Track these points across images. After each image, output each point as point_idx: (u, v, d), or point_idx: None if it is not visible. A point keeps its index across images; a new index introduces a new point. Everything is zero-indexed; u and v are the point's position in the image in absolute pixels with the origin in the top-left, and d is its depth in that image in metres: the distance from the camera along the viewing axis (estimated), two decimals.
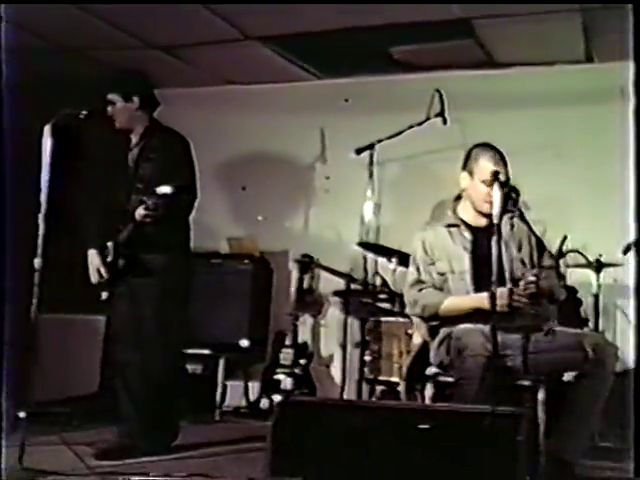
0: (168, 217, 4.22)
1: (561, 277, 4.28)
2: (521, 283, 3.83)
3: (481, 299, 3.77)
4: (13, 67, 3.64)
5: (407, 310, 4.18)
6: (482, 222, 4.07)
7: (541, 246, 4.20)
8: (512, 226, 4.14)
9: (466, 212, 4.16)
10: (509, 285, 3.88)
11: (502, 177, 3.81)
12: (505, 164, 4.02)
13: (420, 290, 4.05)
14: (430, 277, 4.07)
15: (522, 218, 3.96)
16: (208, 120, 6.79)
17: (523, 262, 4.09)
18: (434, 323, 4.02)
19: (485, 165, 4.00)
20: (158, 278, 4.43)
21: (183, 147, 4.58)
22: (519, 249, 4.12)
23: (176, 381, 4.64)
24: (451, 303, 3.96)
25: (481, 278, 3.89)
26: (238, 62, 6.44)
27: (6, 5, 3.86)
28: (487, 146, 4.11)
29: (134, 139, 4.63)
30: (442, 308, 3.96)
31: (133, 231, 4.31)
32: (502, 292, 3.72)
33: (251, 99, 6.85)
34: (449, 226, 4.15)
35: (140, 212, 4.16)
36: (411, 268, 4.14)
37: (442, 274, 4.05)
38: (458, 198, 4.24)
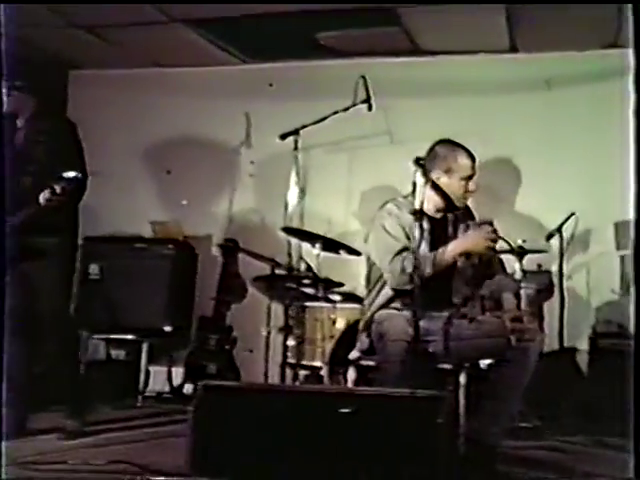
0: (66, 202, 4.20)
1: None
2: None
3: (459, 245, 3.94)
4: None
5: (389, 280, 4.04)
6: (438, 215, 4.14)
7: None
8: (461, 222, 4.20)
9: (427, 203, 4.05)
10: None
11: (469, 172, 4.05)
12: (474, 159, 4.09)
13: (404, 259, 3.92)
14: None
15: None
16: (133, 102, 6.73)
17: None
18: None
19: (465, 163, 4.05)
20: (49, 262, 4.43)
21: (72, 131, 4.57)
22: None
23: (70, 366, 4.64)
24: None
25: None
26: (163, 44, 6.35)
27: None
28: (451, 142, 4.13)
29: (20, 123, 4.56)
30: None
31: (32, 215, 4.24)
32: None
33: (176, 82, 6.77)
34: (414, 213, 4.09)
35: (46, 196, 4.11)
36: (384, 239, 4.02)
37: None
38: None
